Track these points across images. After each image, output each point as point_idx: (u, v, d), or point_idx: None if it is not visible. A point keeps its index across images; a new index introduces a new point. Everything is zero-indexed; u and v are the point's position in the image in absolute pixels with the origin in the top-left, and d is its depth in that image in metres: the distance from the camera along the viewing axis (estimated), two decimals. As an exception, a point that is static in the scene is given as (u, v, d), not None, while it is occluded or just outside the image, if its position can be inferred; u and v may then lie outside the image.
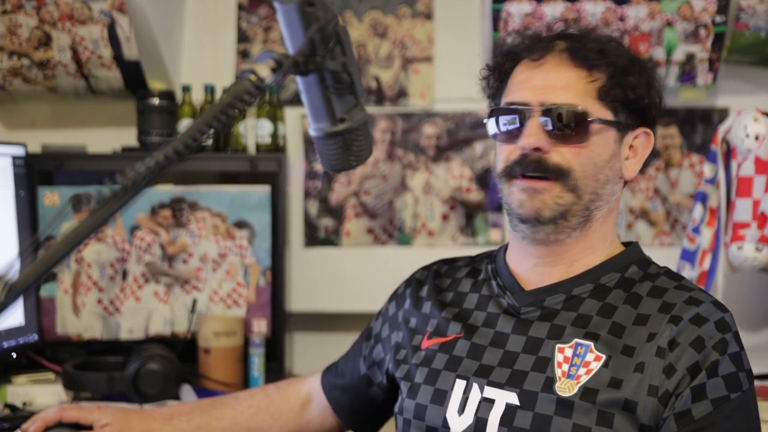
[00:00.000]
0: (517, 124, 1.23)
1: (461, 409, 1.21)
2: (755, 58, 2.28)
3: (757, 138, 2.02)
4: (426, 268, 1.44)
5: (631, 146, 1.27)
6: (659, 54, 2.25)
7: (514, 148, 1.23)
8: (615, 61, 1.23)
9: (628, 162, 1.27)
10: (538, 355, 1.19)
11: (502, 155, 1.26)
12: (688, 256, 2.17)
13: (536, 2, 2.24)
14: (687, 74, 2.28)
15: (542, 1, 2.24)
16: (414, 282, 1.43)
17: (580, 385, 1.15)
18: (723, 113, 2.34)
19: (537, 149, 1.21)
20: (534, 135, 1.20)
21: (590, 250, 1.26)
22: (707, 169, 2.15)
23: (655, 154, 2.36)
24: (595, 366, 1.16)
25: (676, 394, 1.12)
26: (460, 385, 1.23)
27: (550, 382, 1.16)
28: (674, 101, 2.34)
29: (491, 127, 1.27)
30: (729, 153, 2.11)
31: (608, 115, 1.23)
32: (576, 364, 1.17)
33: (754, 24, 2.21)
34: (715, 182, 2.13)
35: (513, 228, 1.28)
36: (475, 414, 1.19)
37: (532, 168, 1.21)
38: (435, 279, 1.40)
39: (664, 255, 2.32)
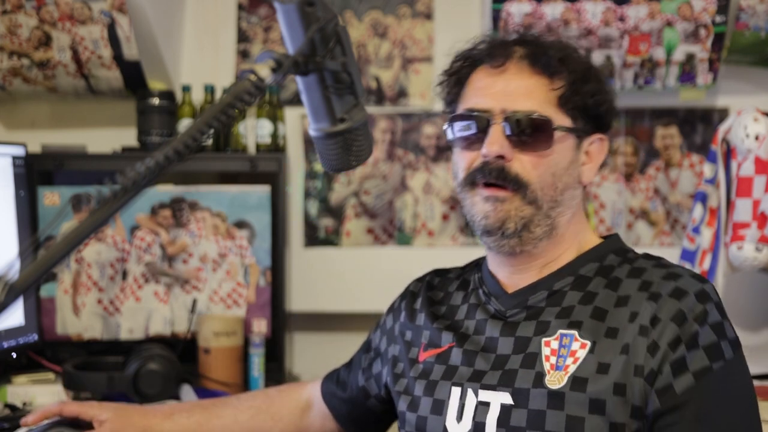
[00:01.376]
0: (478, 131, 1.22)
1: (459, 416, 1.22)
2: (755, 58, 2.28)
3: (757, 138, 2.02)
4: (420, 280, 1.45)
5: (586, 152, 1.27)
6: (659, 54, 2.26)
7: (476, 155, 1.23)
8: (575, 68, 1.23)
9: (585, 168, 1.27)
10: (527, 352, 1.20)
11: (463, 163, 1.25)
12: (688, 256, 2.17)
13: (536, 2, 2.24)
14: (687, 74, 2.28)
15: (542, 1, 2.24)
16: (408, 295, 1.43)
17: (568, 375, 1.15)
18: (723, 113, 2.34)
19: (500, 157, 1.20)
20: (497, 142, 1.20)
21: (560, 252, 1.26)
22: (707, 169, 2.15)
23: (654, 153, 2.37)
24: (582, 354, 1.15)
25: (660, 371, 1.11)
26: (456, 392, 1.23)
27: (540, 376, 1.16)
28: (674, 101, 2.34)
29: (450, 133, 1.26)
30: (729, 153, 2.11)
31: (568, 123, 1.23)
32: (563, 355, 1.17)
33: (754, 24, 2.21)
34: (715, 182, 2.13)
35: (480, 239, 1.28)
36: (473, 419, 1.20)
37: (494, 176, 1.20)
38: (428, 291, 1.40)
39: (664, 255, 2.30)
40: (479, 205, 1.23)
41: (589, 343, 1.16)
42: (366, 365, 1.46)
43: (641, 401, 1.12)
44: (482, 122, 1.22)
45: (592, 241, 1.30)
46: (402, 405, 1.31)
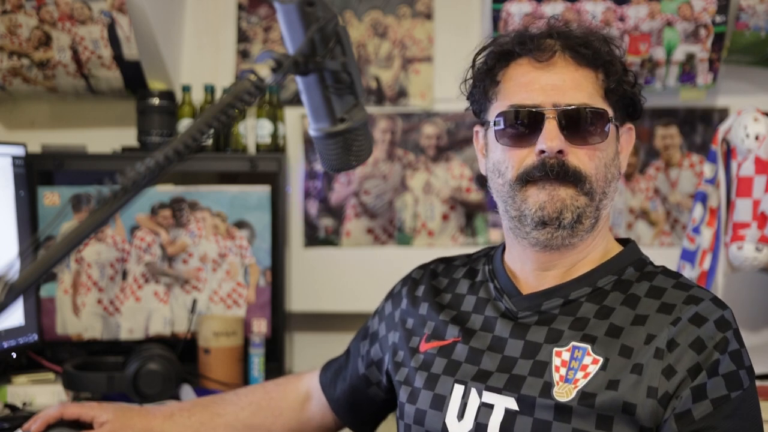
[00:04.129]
0: (529, 127, 1.20)
1: (460, 415, 1.21)
2: (755, 58, 2.28)
3: (757, 138, 2.02)
4: (423, 267, 1.43)
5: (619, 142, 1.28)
6: (659, 54, 2.25)
7: (527, 152, 1.21)
8: (616, 58, 1.24)
9: (621, 157, 1.28)
10: (536, 359, 1.18)
11: (512, 161, 1.22)
12: (688, 256, 2.17)
13: (536, 2, 2.24)
14: (687, 74, 2.28)
15: (542, 1, 2.24)
16: (410, 281, 1.41)
17: (578, 389, 1.14)
18: (723, 113, 2.33)
19: (559, 152, 1.19)
20: (556, 138, 1.18)
21: (589, 250, 1.26)
22: (707, 169, 2.15)
23: (654, 153, 2.36)
24: (593, 369, 1.14)
25: (677, 396, 1.11)
26: (458, 390, 1.22)
27: (548, 386, 1.15)
28: (674, 101, 2.34)
29: (497, 130, 1.24)
30: (729, 153, 2.11)
31: (612, 113, 1.24)
32: (573, 368, 1.16)
33: (754, 24, 2.21)
34: (715, 182, 2.13)
35: (522, 236, 1.24)
36: (475, 419, 1.19)
37: (555, 172, 1.19)
38: (432, 279, 1.39)
39: (664, 255, 2.32)
40: (534, 196, 1.20)
41: (601, 359, 1.15)
42: (365, 352, 1.44)
43: (652, 423, 1.11)
44: (534, 117, 1.20)
45: (613, 247, 1.29)
46: (402, 395, 1.30)
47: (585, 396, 1.13)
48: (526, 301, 1.25)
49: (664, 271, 1.26)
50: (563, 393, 1.14)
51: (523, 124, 1.21)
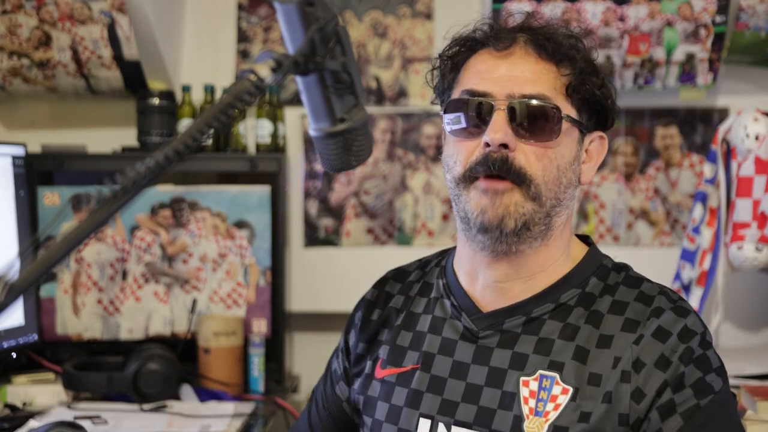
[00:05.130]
0: (479, 118, 1.12)
1: None
2: (755, 58, 2.28)
3: (757, 138, 2.02)
4: (376, 287, 1.33)
5: (587, 150, 1.19)
6: (659, 54, 2.26)
7: (475, 145, 1.13)
8: (583, 56, 1.15)
9: (585, 166, 1.19)
10: (503, 389, 1.13)
11: (461, 155, 1.15)
12: (688, 256, 2.17)
13: (536, 2, 2.24)
14: (687, 74, 2.28)
15: (542, 1, 2.24)
16: (364, 304, 1.32)
17: (549, 423, 1.09)
18: (723, 113, 2.33)
19: (503, 146, 1.10)
20: (501, 130, 1.10)
21: (551, 261, 1.17)
22: (707, 169, 2.15)
23: (654, 153, 2.36)
24: (563, 400, 1.09)
25: (648, 418, 1.07)
26: (424, 424, 1.16)
27: (519, 421, 1.10)
28: (674, 101, 2.34)
29: (446, 119, 1.17)
30: (729, 153, 2.11)
31: (574, 114, 1.15)
32: (543, 399, 1.10)
33: (754, 24, 2.21)
34: (715, 182, 2.13)
35: (469, 239, 1.17)
36: None
37: (497, 167, 1.10)
38: (387, 301, 1.30)
39: (664, 255, 2.32)
40: (476, 199, 1.12)
41: (571, 390, 1.09)
42: (341, 394, 1.33)
43: None
44: (483, 107, 1.12)
45: (577, 253, 1.21)
46: (365, 427, 1.24)
47: (557, 430, 1.08)
48: (487, 320, 1.17)
49: (626, 279, 1.18)
50: (534, 428, 1.09)
51: (473, 115, 1.13)
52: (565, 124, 1.13)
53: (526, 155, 1.12)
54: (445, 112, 1.18)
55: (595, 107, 1.17)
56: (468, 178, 1.14)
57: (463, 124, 1.15)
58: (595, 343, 1.11)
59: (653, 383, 1.07)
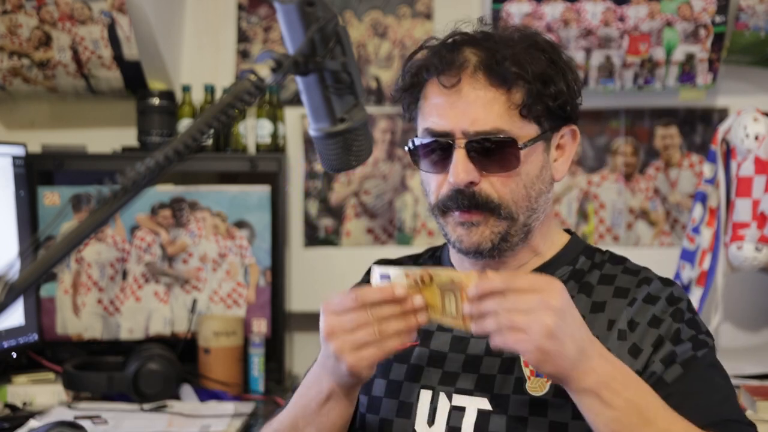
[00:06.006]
0: (442, 154, 1.17)
1: (431, 420, 1.18)
2: (755, 58, 2.28)
3: (756, 138, 2.02)
4: (367, 275, 1.35)
5: (557, 146, 1.22)
6: (659, 54, 2.26)
7: (443, 179, 1.18)
8: (534, 72, 1.15)
9: (557, 163, 1.23)
10: (503, 356, 1.17)
11: (431, 187, 1.21)
12: (688, 256, 2.17)
13: (536, 2, 2.24)
14: (687, 74, 2.28)
15: (542, 1, 2.24)
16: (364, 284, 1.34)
17: (551, 382, 1.13)
18: (723, 113, 2.33)
19: (471, 182, 1.16)
20: (464, 170, 1.15)
21: (534, 253, 1.24)
22: (707, 169, 2.15)
23: (654, 153, 2.37)
24: None
25: (646, 370, 1.13)
26: (425, 395, 1.20)
27: (520, 382, 1.15)
28: (674, 101, 2.34)
29: (414, 154, 1.21)
30: (729, 153, 2.11)
31: (533, 131, 1.17)
32: None
33: (754, 24, 2.21)
34: (714, 182, 2.13)
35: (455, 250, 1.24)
36: (447, 423, 1.17)
37: (466, 204, 1.16)
38: None
39: (664, 255, 2.32)
40: (451, 226, 1.20)
41: None
42: None
43: None
44: (444, 147, 1.16)
45: (560, 238, 1.27)
46: (361, 405, 1.25)
47: (559, 388, 1.10)
48: None
49: (611, 257, 1.25)
50: (536, 387, 1.14)
51: (435, 155, 1.18)
52: (524, 150, 1.16)
53: (492, 184, 1.17)
54: (412, 147, 1.21)
55: (556, 113, 1.19)
56: (441, 210, 1.20)
57: (429, 160, 1.20)
58: (589, 309, 1.18)
59: (648, 339, 1.15)
